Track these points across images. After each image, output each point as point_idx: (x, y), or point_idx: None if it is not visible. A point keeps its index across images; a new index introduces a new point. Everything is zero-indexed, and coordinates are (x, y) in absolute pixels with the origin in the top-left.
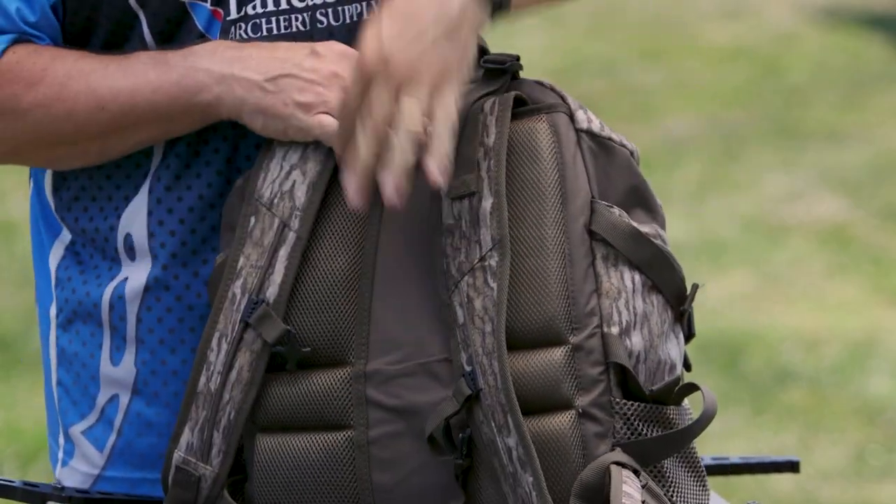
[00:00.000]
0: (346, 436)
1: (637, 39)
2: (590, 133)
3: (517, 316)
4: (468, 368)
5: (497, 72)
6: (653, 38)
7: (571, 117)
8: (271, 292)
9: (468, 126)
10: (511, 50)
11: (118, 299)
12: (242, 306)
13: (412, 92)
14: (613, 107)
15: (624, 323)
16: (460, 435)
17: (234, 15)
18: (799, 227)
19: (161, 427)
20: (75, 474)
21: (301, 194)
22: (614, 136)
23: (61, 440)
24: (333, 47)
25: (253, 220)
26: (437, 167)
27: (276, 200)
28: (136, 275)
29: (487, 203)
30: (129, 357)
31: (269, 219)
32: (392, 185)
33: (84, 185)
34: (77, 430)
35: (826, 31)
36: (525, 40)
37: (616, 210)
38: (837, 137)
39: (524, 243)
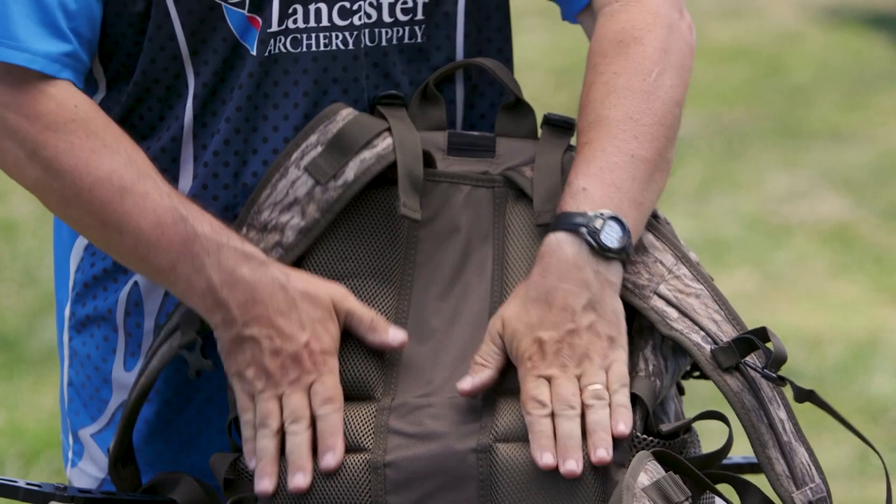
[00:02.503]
0: (363, 458)
1: None
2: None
3: None
4: (709, 346)
5: (562, 127)
6: None
7: None
8: None
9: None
10: (513, 49)
11: (134, 307)
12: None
13: (589, 375)
14: None
15: (651, 367)
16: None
17: (274, 27)
18: (801, 226)
19: (169, 434)
20: (83, 476)
21: (291, 234)
22: None
23: (70, 440)
24: (319, 339)
25: (245, 230)
26: (615, 440)
27: (269, 227)
28: (145, 280)
29: (648, 237)
30: (143, 363)
31: (256, 240)
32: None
33: None
34: (87, 432)
35: (829, 30)
36: (527, 39)
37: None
38: (840, 137)
39: None
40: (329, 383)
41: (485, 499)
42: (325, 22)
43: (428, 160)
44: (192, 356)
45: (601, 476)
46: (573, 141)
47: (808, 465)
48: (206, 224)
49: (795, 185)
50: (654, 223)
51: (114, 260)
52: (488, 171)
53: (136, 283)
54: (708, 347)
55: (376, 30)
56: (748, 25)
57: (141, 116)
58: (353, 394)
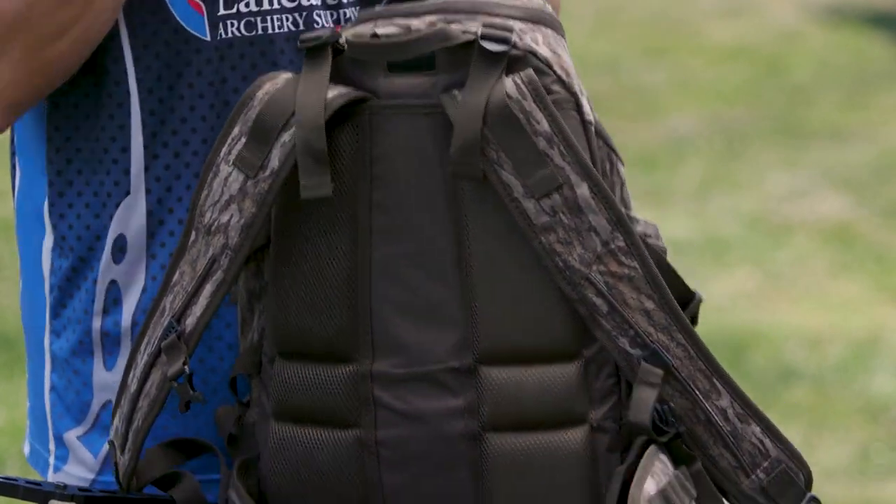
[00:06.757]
0: (354, 434)
1: (640, 38)
2: (595, 127)
3: (531, 329)
4: (637, 352)
5: (496, 54)
6: (656, 37)
7: (579, 109)
8: (189, 322)
9: (506, 120)
10: None
11: (113, 304)
12: (164, 324)
13: None
14: (617, 105)
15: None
16: (658, 410)
17: (223, 11)
18: (802, 225)
19: (156, 430)
20: (70, 480)
21: (235, 234)
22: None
23: (52, 446)
24: None
25: (194, 235)
26: None
27: (213, 228)
28: (124, 277)
29: (583, 189)
30: (122, 362)
31: (204, 245)
32: None
33: (72, 180)
34: (72, 435)
35: (829, 29)
36: None
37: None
38: (841, 136)
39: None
40: None
41: (477, 483)
42: (276, 4)
43: (363, 98)
44: (182, 388)
45: (593, 465)
46: None
47: (761, 442)
48: None
49: (796, 184)
50: (594, 172)
51: (80, 255)
52: (429, 91)
53: (113, 282)
54: (635, 353)
55: (335, 11)
56: (748, 25)
57: (75, 105)
58: (334, 355)
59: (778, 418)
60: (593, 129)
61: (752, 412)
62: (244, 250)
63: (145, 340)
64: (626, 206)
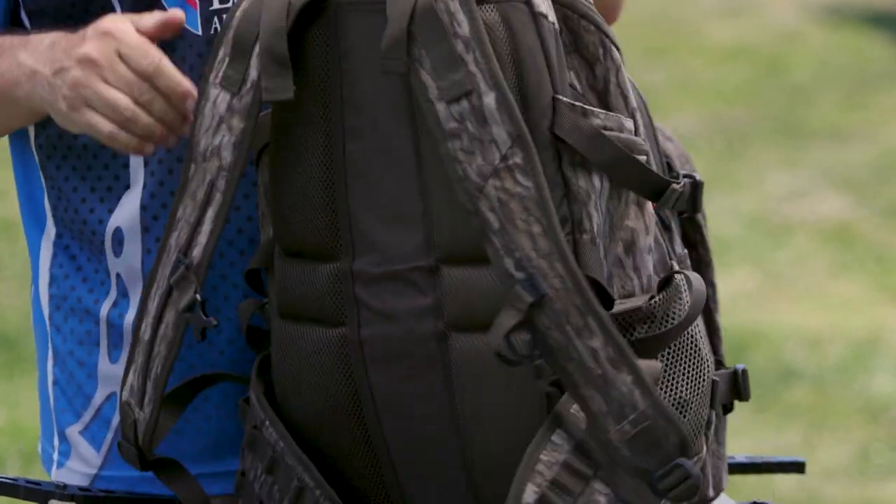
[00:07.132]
0: (341, 333)
1: (640, 38)
2: (579, 11)
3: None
4: (519, 275)
5: None
6: (656, 37)
7: (528, 2)
8: (196, 254)
9: (430, 19)
10: None
11: (122, 297)
12: (172, 261)
13: None
14: None
15: (595, 227)
16: (525, 339)
17: (216, 5)
18: (802, 225)
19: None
20: (72, 476)
21: (227, 154)
22: (590, 12)
23: (56, 441)
24: (99, 26)
25: (193, 168)
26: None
27: (207, 154)
28: (127, 272)
29: (490, 98)
30: (125, 355)
31: (202, 173)
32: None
33: (67, 176)
34: (74, 430)
35: (829, 29)
36: None
37: (578, 107)
38: (841, 136)
39: None
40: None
41: (448, 382)
42: None
43: None
44: (195, 316)
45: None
46: None
47: (631, 391)
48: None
49: (796, 184)
50: (502, 83)
51: (82, 249)
52: None
53: (118, 275)
54: (517, 276)
55: None
56: (748, 25)
57: None
58: (321, 253)
59: (778, 418)
60: (548, 21)
61: (625, 360)
62: (238, 168)
63: (155, 285)
64: (624, 93)
